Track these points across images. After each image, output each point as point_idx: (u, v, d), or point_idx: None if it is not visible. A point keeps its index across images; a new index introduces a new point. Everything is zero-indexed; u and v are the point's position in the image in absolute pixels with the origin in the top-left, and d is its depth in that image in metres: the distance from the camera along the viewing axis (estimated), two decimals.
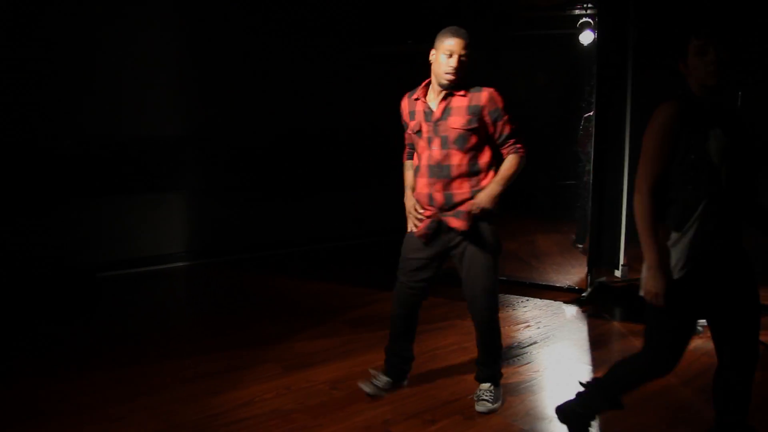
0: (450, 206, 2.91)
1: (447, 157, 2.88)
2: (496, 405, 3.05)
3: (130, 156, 5.89)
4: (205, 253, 6.41)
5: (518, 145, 2.91)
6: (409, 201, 3.06)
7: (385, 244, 7.33)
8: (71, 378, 3.41)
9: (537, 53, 5.08)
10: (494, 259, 2.99)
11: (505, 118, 2.87)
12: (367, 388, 3.18)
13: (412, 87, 3.08)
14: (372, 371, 3.27)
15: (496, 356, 3.13)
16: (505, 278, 5.30)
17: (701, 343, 3.93)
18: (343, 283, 5.54)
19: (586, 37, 4.81)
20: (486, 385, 3.11)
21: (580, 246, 5.12)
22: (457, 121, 2.85)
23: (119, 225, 5.88)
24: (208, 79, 6.25)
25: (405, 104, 3.06)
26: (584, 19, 4.79)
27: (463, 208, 2.88)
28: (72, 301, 5.08)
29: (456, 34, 2.80)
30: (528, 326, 4.32)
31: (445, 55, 2.79)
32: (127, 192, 5.91)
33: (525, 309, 4.71)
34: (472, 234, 2.92)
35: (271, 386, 3.31)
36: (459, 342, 3.90)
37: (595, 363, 3.65)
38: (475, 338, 3.13)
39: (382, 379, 3.22)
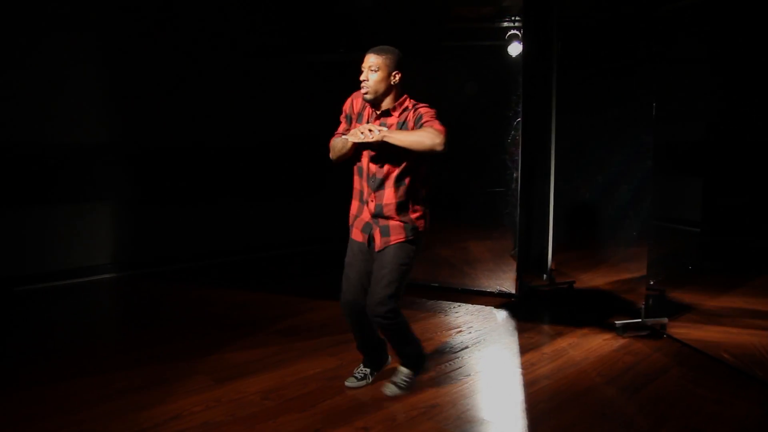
0: (379, 215, 3.06)
1: (380, 170, 3.01)
2: (403, 392, 3.24)
3: (53, 164, 5.65)
4: (132, 264, 6.22)
5: (435, 125, 2.88)
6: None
7: (314, 253, 7.34)
8: None
9: (466, 64, 5.18)
10: (399, 276, 3.05)
11: (428, 117, 2.92)
12: (348, 382, 3.36)
13: (346, 95, 3.20)
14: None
15: (412, 347, 3.29)
16: (437, 284, 5.38)
17: (624, 343, 4.08)
18: (273, 292, 5.46)
19: (514, 49, 4.94)
20: (405, 370, 3.31)
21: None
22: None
23: (40, 236, 5.63)
24: (134, 86, 6.08)
25: (357, 103, 3.14)
26: (512, 32, 4.92)
27: (387, 211, 3.03)
28: None
29: (368, 52, 2.98)
30: (460, 331, 4.37)
31: (361, 72, 2.98)
32: (50, 201, 5.67)
33: (457, 314, 4.77)
34: (387, 252, 3.06)
35: (200, 399, 3.22)
36: (391, 348, 3.90)
37: (526, 366, 3.72)
38: None
39: (362, 371, 3.41)
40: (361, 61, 3.00)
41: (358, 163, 3.11)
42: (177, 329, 4.45)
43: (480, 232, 5.33)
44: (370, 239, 3.12)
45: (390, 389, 3.24)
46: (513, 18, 4.96)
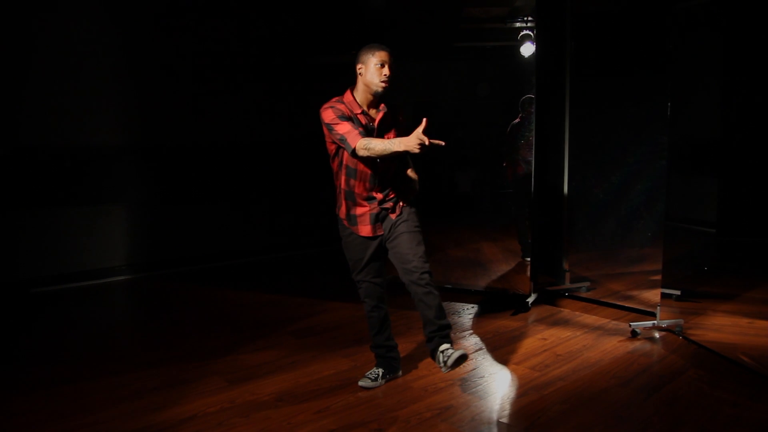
0: (387, 200, 3.28)
1: (384, 162, 3.21)
2: (465, 362, 3.24)
3: (68, 166, 5.71)
4: (146, 266, 6.26)
5: None
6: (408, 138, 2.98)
7: (326, 255, 7.33)
8: (4, 398, 3.26)
9: (478, 65, 5.16)
10: (421, 237, 3.29)
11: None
12: (362, 382, 3.39)
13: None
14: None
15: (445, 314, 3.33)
16: (450, 286, 5.36)
17: (639, 344, 4.05)
18: (287, 294, 5.48)
19: (527, 49, 4.92)
20: (447, 346, 3.21)
21: (528, 260, 5.18)
22: (393, 133, 3.25)
23: (56, 238, 5.69)
24: (148, 89, 6.13)
25: (344, 107, 3.16)
26: (524, 32, 4.90)
27: (393, 193, 3.31)
28: (4, 317, 4.87)
29: (383, 48, 3.11)
30: (473, 333, 4.36)
31: (378, 66, 3.08)
32: (65, 204, 5.73)
33: (470, 316, 4.75)
34: (401, 219, 3.28)
35: (215, 400, 3.24)
36: (404, 350, 3.90)
37: (540, 368, 3.70)
38: (421, 310, 3.24)
39: (375, 372, 3.44)
40: (370, 55, 3.10)
41: (352, 168, 3.20)
42: (191, 331, 4.47)
43: (491, 234, 5.31)
44: (386, 221, 3.29)
45: (455, 362, 3.11)
46: (525, 18, 4.94)
